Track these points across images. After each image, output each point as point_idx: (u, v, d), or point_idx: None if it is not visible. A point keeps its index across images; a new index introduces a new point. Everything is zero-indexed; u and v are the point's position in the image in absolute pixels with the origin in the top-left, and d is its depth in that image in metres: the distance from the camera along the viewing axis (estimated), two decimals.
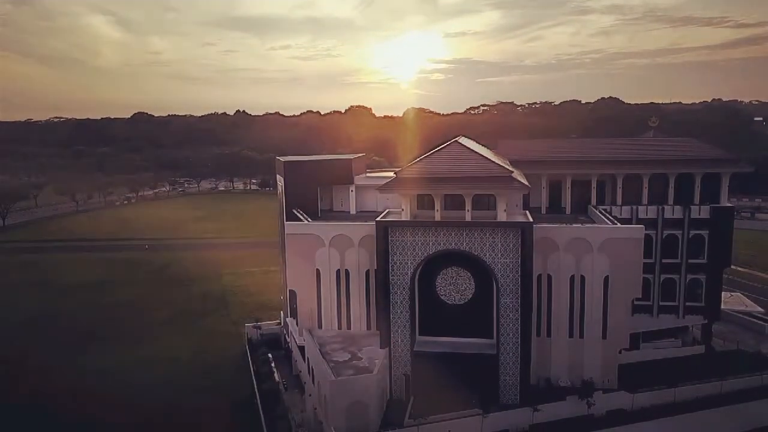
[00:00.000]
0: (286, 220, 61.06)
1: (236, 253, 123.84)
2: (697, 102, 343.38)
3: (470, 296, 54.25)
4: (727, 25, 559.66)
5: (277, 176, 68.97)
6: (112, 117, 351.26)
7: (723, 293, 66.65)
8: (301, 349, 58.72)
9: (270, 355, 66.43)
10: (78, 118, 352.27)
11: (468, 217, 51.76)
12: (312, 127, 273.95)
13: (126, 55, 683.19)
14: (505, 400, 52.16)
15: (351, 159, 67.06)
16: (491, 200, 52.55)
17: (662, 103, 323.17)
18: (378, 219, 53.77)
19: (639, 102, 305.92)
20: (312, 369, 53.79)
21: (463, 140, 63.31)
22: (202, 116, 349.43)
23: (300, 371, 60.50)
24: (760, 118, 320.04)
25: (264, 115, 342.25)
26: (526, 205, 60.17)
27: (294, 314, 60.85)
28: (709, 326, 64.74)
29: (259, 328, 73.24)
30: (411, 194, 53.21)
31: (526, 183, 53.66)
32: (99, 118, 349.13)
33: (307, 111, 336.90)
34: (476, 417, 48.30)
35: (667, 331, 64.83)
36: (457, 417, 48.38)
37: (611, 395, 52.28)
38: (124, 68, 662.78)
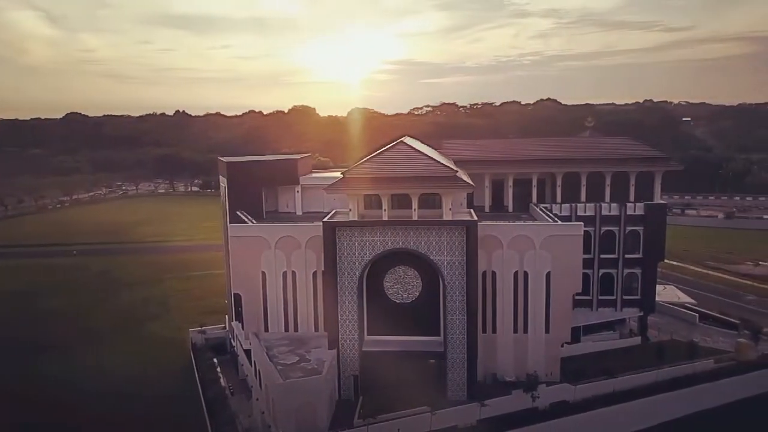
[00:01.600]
0: (230, 222, 59.94)
1: (179, 257, 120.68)
2: (630, 103, 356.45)
3: (417, 295, 54.72)
4: (658, 29, 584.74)
5: (220, 177, 67.63)
6: (43, 117, 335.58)
7: (657, 286, 69.61)
8: (248, 352, 57.75)
9: (215, 360, 65.14)
10: (5, 118, 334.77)
11: (415, 216, 52.17)
12: (255, 128, 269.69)
13: (57, 53, 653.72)
14: (453, 396, 52.81)
15: (296, 159, 66.46)
16: (437, 199, 53.12)
17: (597, 104, 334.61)
18: (325, 220, 53.51)
19: (575, 103, 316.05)
20: (259, 372, 53.02)
21: (409, 140, 63.83)
22: (139, 116, 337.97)
23: (246, 375, 59.51)
24: (688, 119, 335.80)
25: (204, 115, 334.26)
26: (470, 204, 61.01)
27: (239, 318, 59.82)
28: (645, 318, 67.52)
29: (204, 332, 71.62)
30: (358, 194, 53.18)
31: (471, 182, 54.53)
32: (29, 118, 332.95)
33: (250, 111, 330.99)
34: (425, 415, 48.68)
35: (606, 323, 67.24)
36: (407, 415, 48.66)
37: (554, 388, 53.69)
38: (55, 66, 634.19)
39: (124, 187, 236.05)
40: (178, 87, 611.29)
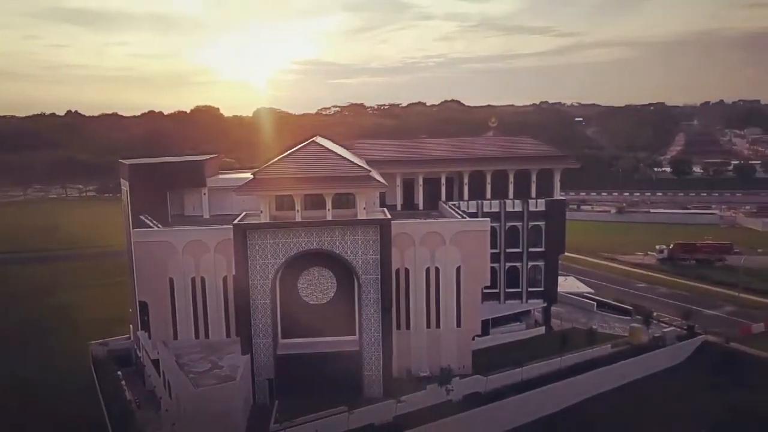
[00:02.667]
0: (133, 227, 57.20)
1: (79, 265, 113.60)
2: (527, 104, 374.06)
3: (332, 295, 54.62)
4: (552, 34, 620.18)
5: (121, 180, 64.36)
6: None
7: (559, 278, 73.33)
8: (156, 362, 55.37)
9: (119, 373, 61.89)
10: None
11: (329, 217, 51.98)
12: (155, 129, 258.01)
13: None
14: (370, 394, 53.14)
15: (203, 160, 64.36)
16: (350, 199, 53.23)
17: (498, 105, 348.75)
18: (235, 222, 52.21)
19: (478, 104, 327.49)
20: (168, 383, 50.90)
21: (321, 140, 63.54)
22: (27, 117, 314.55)
23: (155, 387, 56.99)
24: (581, 119, 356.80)
25: (100, 115, 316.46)
26: (382, 203, 61.63)
27: (146, 327, 57.21)
28: (548, 308, 71.00)
29: (106, 344, 67.79)
30: (270, 195, 52.26)
31: (384, 182, 55.06)
32: None
33: (149, 111, 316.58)
34: (342, 414, 48.65)
35: (513, 315, 70.12)
36: (324, 416, 48.43)
37: (467, 380, 55.18)
38: None
39: (10, 193, 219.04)
40: (71, 85, 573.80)
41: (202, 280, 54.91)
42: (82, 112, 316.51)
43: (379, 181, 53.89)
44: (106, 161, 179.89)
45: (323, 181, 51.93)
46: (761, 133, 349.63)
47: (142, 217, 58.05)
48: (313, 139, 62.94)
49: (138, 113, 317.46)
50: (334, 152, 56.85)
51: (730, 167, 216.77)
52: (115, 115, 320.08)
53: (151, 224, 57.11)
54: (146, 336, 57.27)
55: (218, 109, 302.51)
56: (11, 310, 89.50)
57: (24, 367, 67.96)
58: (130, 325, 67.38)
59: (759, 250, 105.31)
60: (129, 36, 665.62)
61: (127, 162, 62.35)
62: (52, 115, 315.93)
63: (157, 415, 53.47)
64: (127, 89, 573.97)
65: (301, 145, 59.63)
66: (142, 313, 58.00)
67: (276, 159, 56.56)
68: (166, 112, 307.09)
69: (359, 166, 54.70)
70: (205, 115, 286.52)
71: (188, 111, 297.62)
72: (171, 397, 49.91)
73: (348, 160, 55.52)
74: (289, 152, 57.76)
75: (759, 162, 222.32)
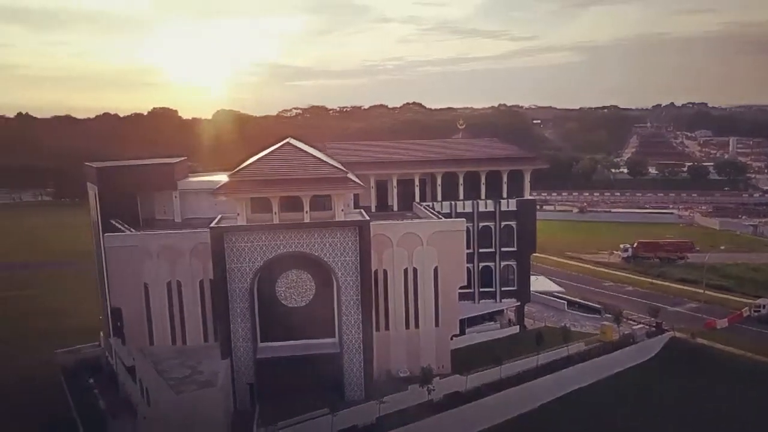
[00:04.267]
0: (104, 232, 55.69)
1: (40, 274, 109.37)
2: (486, 106, 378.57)
3: (311, 297, 54.26)
4: (506, 38, 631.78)
5: (88, 184, 62.56)
6: None
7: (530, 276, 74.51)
8: (131, 369, 54.00)
9: (92, 381, 60.09)
10: None
11: (307, 219, 51.65)
12: (112, 131, 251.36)
13: None
14: (351, 396, 53.02)
15: (173, 163, 63.19)
16: (326, 201, 52.93)
17: (458, 108, 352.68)
18: (212, 225, 51.36)
19: (438, 107, 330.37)
20: (146, 390, 49.73)
21: (294, 141, 63.09)
22: None
23: (130, 394, 55.55)
24: (538, 121, 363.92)
25: (52, 118, 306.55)
26: (356, 205, 61.48)
27: (119, 333, 55.76)
28: (522, 308, 72.07)
29: (76, 352, 65.62)
30: (246, 197, 51.61)
31: (360, 183, 55.03)
32: None
33: (104, 113, 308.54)
34: (326, 417, 48.35)
35: (487, 315, 70.99)
36: (307, 419, 48.08)
37: (447, 380, 55.41)
38: None
39: None
40: (17, 87, 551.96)
41: (178, 284, 53.88)
42: (33, 114, 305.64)
43: (356, 182, 53.89)
44: (62, 165, 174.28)
45: (300, 182, 51.60)
46: (710, 135, 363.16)
47: (113, 221, 56.64)
48: (287, 140, 62.51)
49: (92, 115, 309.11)
50: (310, 154, 56.59)
51: (685, 168, 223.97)
52: (68, 117, 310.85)
53: (123, 228, 55.76)
54: (120, 343, 55.85)
55: (176, 111, 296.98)
56: None
57: None
58: (101, 333, 65.50)
59: (722, 248, 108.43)
60: (70, 35, 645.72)
61: (94, 165, 60.67)
62: (2, 117, 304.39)
63: (134, 424, 52.11)
64: (76, 90, 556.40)
65: (276, 146, 59.16)
66: (114, 320, 56.57)
67: (251, 161, 55.89)
68: (121, 115, 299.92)
69: (336, 167, 54.57)
70: (163, 117, 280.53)
71: (145, 113, 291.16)
72: (149, 404, 48.77)
73: (324, 161, 55.35)
74: (263, 154, 57.16)
75: (712, 164, 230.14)
